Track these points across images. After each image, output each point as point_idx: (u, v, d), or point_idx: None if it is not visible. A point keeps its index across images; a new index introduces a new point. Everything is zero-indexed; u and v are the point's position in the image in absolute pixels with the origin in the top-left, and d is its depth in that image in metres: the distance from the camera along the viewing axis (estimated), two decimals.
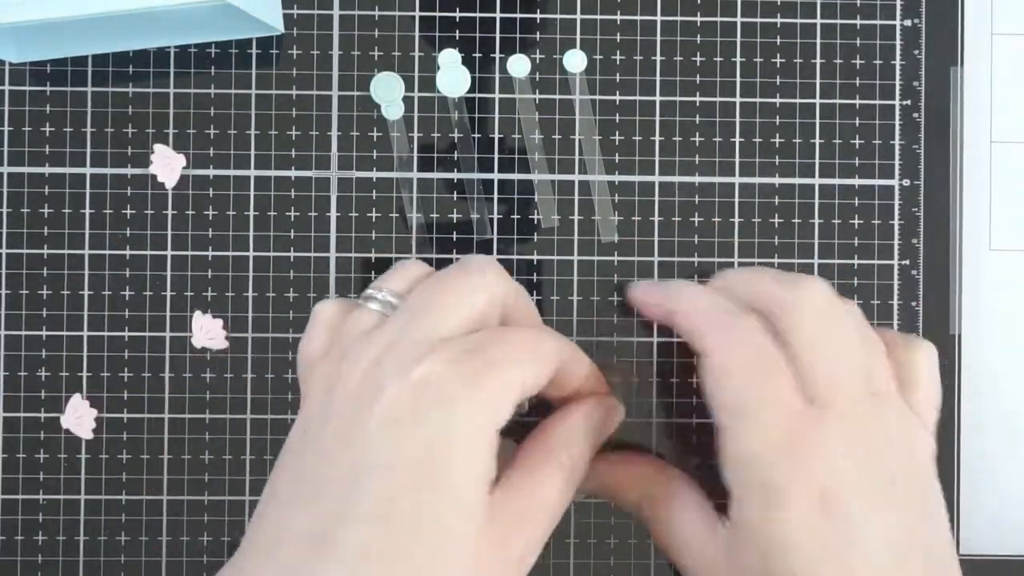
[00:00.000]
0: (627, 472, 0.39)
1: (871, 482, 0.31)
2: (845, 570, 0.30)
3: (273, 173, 0.45)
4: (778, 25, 0.46)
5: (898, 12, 0.46)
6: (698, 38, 0.45)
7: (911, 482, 0.33)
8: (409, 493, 0.28)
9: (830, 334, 0.33)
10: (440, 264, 0.45)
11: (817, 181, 0.45)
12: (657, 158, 0.45)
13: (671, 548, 0.35)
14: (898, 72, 0.46)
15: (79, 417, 0.44)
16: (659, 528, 0.36)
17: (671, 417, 0.45)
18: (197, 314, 0.45)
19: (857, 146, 0.46)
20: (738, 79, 0.46)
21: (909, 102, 0.46)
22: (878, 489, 0.31)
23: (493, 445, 0.30)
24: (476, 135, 0.45)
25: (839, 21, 0.46)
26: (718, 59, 0.45)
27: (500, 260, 0.45)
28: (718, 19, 0.46)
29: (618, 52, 0.45)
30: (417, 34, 0.45)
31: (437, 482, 0.28)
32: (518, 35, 0.45)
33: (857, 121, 0.46)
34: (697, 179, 0.45)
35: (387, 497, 0.28)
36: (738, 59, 0.46)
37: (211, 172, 0.45)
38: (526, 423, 0.36)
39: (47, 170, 0.45)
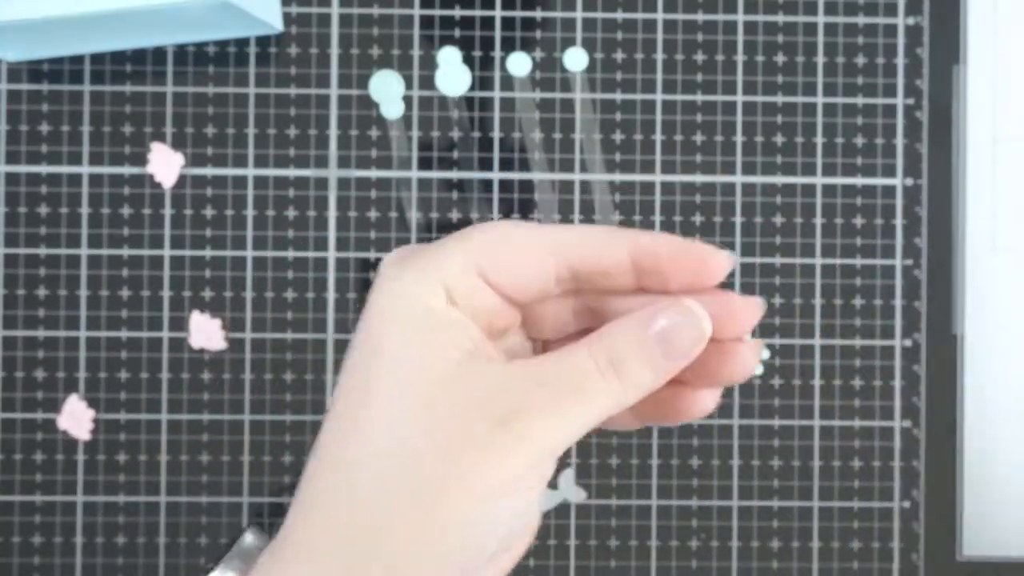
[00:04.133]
0: None
1: None
2: None
3: (271, 172, 0.45)
4: (780, 23, 0.45)
5: (900, 10, 0.46)
6: (700, 36, 0.45)
7: None
8: (350, 374, 0.26)
9: None
10: None
11: (819, 180, 0.45)
12: (658, 157, 0.45)
13: None
14: (900, 70, 0.46)
15: (76, 418, 0.44)
16: None
17: None
18: (195, 314, 0.44)
19: (859, 145, 0.45)
20: (740, 77, 0.45)
21: (912, 100, 0.45)
22: None
23: (434, 304, 0.26)
24: (476, 134, 0.45)
25: (841, 19, 0.45)
26: (720, 57, 0.45)
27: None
28: (720, 17, 0.45)
29: (619, 50, 0.45)
30: (416, 32, 0.45)
31: (371, 356, 0.26)
32: (518, 33, 0.45)
33: (859, 120, 0.45)
34: (699, 178, 0.45)
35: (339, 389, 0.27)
36: (740, 57, 0.45)
37: (209, 171, 0.45)
38: None
39: (44, 169, 0.45)
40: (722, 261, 0.27)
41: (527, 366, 0.26)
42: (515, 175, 0.45)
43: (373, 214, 0.45)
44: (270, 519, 0.44)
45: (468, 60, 0.45)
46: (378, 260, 0.45)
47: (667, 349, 0.27)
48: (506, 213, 0.45)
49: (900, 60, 0.46)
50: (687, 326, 0.27)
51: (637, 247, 0.28)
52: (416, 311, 0.26)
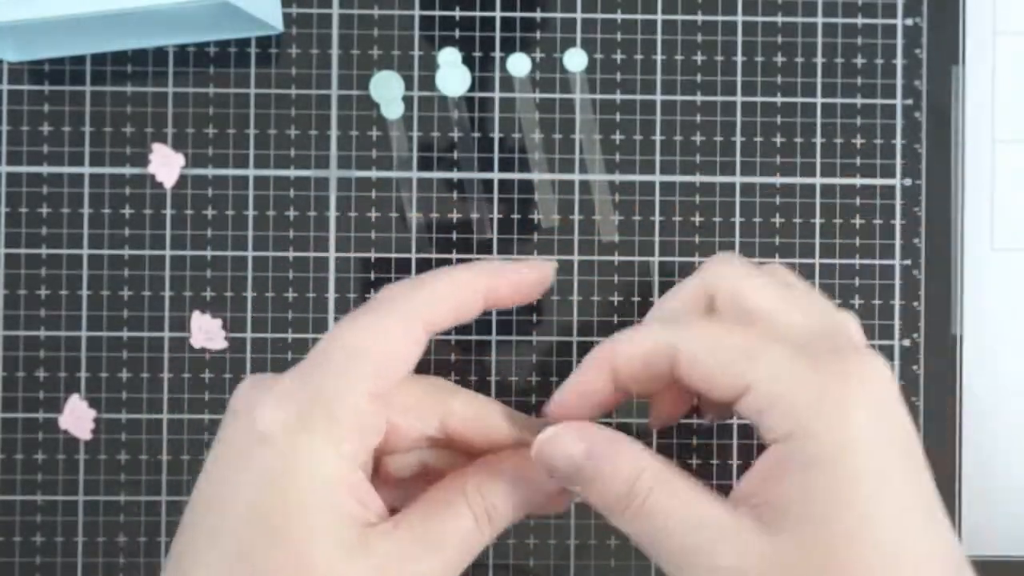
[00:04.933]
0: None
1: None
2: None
3: (272, 173, 0.45)
4: (779, 24, 0.45)
5: (899, 11, 0.46)
6: (699, 37, 0.45)
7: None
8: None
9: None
10: (440, 263, 0.45)
11: (818, 180, 0.45)
12: (658, 157, 0.45)
13: (685, 549, 0.32)
14: (899, 71, 0.46)
15: (77, 418, 0.44)
16: (664, 522, 0.32)
17: None
18: (196, 314, 0.45)
19: (859, 145, 0.45)
20: (739, 78, 0.45)
21: (911, 101, 0.46)
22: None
23: (332, 483, 0.29)
24: (476, 134, 0.45)
25: (840, 20, 0.45)
26: (719, 58, 0.45)
27: (500, 260, 0.45)
28: (719, 18, 0.45)
29: (619, 51, 0.45)
30: (417, 33, 0.45)
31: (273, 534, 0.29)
32: (518, 34, 0.45)
33: (858, 120, 0.45)
34: (698, 178, 0.45)
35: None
36: (739, 58, 0.45)
37: (210, 172, 0.45)
38: None
39: (45, 169, 0.45)
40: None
41: (413, 530, 0.29)
42: (515, 175, 0.45)
43: (373, 214, 0.45)
44: None
45: (468, 61, 0.45)
46: (378, 260, 0.45)
47: (530, 498, 0.32)
48: (506, 213, 0.45)
49: (899, 61, 0.46)
50: (543, 479, 0.32)
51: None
52: (324, 481, 0.29)
